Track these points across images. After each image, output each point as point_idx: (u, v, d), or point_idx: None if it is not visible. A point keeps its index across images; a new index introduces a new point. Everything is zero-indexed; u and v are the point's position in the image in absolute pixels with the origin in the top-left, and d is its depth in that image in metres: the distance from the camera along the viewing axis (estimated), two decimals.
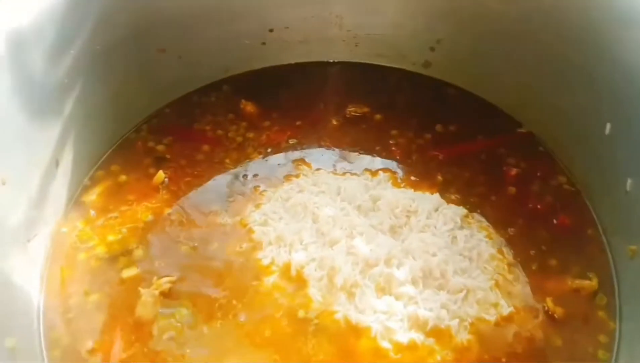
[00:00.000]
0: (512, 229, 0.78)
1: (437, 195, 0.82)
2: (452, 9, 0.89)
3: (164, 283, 0.72)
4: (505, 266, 0.74)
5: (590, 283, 0.70)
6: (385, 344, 0.66)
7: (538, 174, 0.85)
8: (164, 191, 0.85)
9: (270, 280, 0.73)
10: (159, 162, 0.89)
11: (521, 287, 0.72)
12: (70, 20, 0.74)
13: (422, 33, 0.95)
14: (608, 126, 0.73)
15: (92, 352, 0.67)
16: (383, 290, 0.71)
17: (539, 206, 0.80)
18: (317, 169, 0.88)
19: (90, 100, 0.82)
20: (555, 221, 0.79)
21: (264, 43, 1.01)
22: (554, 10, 0.77)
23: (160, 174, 0.85)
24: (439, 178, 0.86)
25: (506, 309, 0.69)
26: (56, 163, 0.78)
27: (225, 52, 0.99)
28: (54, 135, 0.77)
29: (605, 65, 0.72)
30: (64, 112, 0.78)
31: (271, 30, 1.00)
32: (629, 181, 0.70)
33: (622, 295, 0.69)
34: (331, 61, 1.05)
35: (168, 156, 0.90)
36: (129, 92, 0.90)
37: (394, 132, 0.93)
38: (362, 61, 1.04)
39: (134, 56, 0.87)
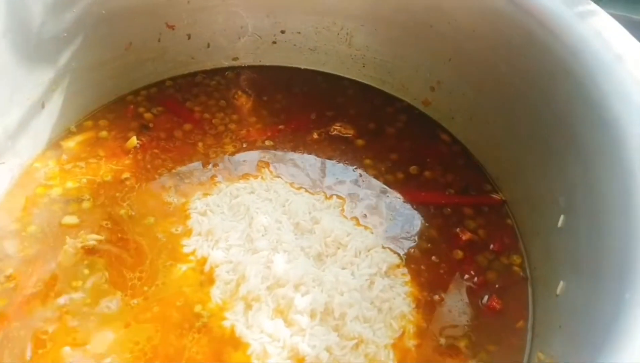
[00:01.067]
0: (437, 295, 0.74)
1: (375, 236, 0.79)
2: (456, 56, 0.85)
3: (90, 239, 0.76)
4: (412, 330, 0.70)
5: None
6: None
7: (491, 246, 0.79)
8: (131, 156, 0.89)
9: (183, 267, 0.75)
10: (141, 129, 0.94)
11: (417, 357, 0.68)
12: None
13: (423, 70, 0.92)
14: (561, 218, 0.66)
15: (9, 277, 0.73)
16: (281, 312, 0.70)
17: (475, 280, 0.75)
18: (277, 176, 0.88)
19: (89, 57, 0.88)
20: (485, 301, 0.73)
21: (274, 42, 1.02)
22: (547, 87, 0.71)
23: (133, 140, 0.90)
24: (390, 220, 0.83)
25: None
26: (42, 105, 0.85)
27: (235, 41, 1.02)
28: (44, 80, 0.83)
29: (577, 155, 0.65)
30: (58, 63, 0.84)
31: (283, 32, 1.01)
32: (561, 283, 0.63)
33: None
34: (339, 75, 1.04)
35: (151, 125, 0.95)
36: (132, 59, 0.95)
37: (367, 161, 0.91)
38: (367, 83, 1.03)
39: (141, 26, 0.92)
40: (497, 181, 0.87)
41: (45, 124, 0.87)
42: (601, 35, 0.64)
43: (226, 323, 0.69)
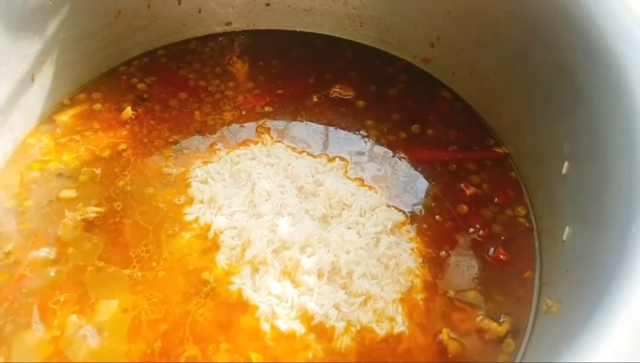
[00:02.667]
0: (444, 250, 0.74)
1: (379, 195, 0.78)
2: (454, 9, 0.83)
3: (90, 212, 0.75)
4: (420, 284, 0.70)
5: (498, 329, 0.65)
6: (265, 327, 0.66)
7: (496, 200, 0.78)
8: (127, 128, 0.88)
9: (186, 235, 0.74)
10: (136, 100, 0.92)
11: (425, 310, 0.68)
12: None
13: (422, 26, 0.90)
14: (566, 164, 0.65)
15: (8, 254, 0.72)
16: (289, 274, 0.70)
17: (481, 233, 0.75)
18: (278, 141, 0.87)
19: (77, 27, 0.86)
20: (491, 253, 0.73)
21: (268, 4, 1.00)
22: (547, 36, 0.69)
23: (128, 111, 0.88)
24: (394, 178, 0.82)
25: (399, 327, 0.66)
26: (32, 78, 0.83)
27: (227, 5, 0.99)
28: (32, 52, 0.81)
29: (579, 101, 0.64)
30: (45, 33, 0.82)
31: None
32: (567, 229, 0.63)
33: (530, 347, 0.64)
34: (335, 36, 1.02)
35: (145, 96, 0.93)
36: (123, 27, 0.93)
37: (369, 122, 0.89)
38: (366, 43, 1.00)
39: None
40: (500, 135, 0.86)
41: (37, 98, 0.85)
42: None
43: (233, 288, 0.69)
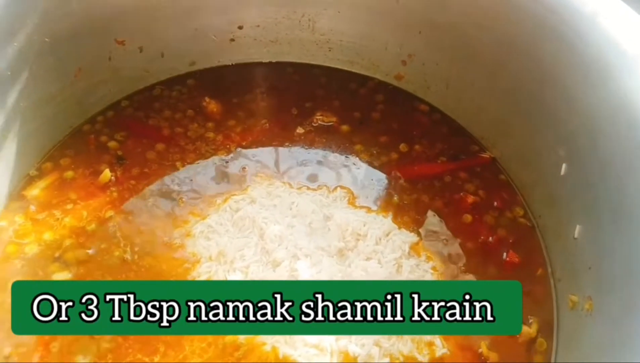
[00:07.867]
0: (460, 262, 0.76)
1: (389, 219, 0.79)
2: (425, 27, 0.86)
3: None
4: None
5: (529, 330, 0.68)
6: None
7: (495, 204, 0.82)
8: (110, 192, 0.82)
9: None
10: (111, 159, 0.86)
11: None
12: (11, 13, 0.70)
13: (393, 46, 0.91)
14: (564, 166, 0.70)
15: (8, 357, 0.65)
16: None
17: (490, 239, 0.78)
18: (274, 180, 0.85)
19: (38, 92, 0.79)
20: (505, 257, 0.77)
21: (232, 40, 0.97)
22: (528, 47, 0.73)
23: (107, 174, 0.82)
24: (396, 200, 0.83)
25: (440, 350, 0.67)
26: None
27: (190, 46, 0.95)
28: None
29: (572, 106, 0.68)
30: (6, 105, 0.74)
31: (240, 28, 0.95)
32: (578, 227, 0.67)
33: (560, 344, 0.68)
34: (305, 62, 1.01)
35: (120, 153, 0.87)
36: (84, 84, 0.86)
37: (358, 147, 0.90)
38: (336, 67, 1.01)
39: (89, 47, 0.83)
40: (483, 141, 0.89)
41: (2, 175, 0.77)
42: None
43: (267, 348, 0.67)
